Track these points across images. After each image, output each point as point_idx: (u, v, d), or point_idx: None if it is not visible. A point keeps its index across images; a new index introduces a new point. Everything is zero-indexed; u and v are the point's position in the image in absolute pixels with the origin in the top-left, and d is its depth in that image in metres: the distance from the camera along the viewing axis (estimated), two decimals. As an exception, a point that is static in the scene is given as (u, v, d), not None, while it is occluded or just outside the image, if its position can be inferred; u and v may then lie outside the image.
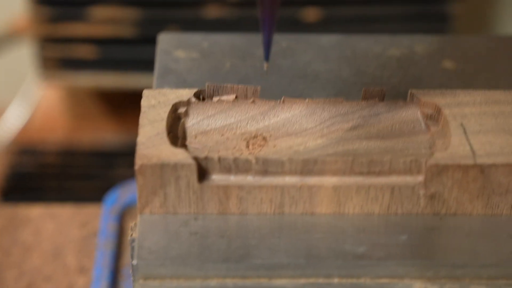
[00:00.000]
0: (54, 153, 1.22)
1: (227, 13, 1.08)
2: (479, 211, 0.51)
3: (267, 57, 0.52)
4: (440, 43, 0.64)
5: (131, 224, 0.52)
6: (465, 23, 1.25)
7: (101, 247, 0.75)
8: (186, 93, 0.54)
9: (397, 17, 1.09)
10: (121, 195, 0.79)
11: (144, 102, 0.53)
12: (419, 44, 0.65)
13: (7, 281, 0.76)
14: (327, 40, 0.64)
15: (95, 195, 1.10)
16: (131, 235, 0.51)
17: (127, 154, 1.22)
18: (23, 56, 1.29)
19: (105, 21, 1.06)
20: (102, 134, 1.24)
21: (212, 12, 1.07)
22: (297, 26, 1.08)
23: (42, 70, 1.11)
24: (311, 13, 1.08)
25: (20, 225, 0.81)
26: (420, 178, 0.50)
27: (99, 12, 1.06)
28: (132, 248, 0.50)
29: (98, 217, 0.80)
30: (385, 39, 0.65)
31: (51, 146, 1.22)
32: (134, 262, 0.48)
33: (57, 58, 1.09)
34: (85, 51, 1.09)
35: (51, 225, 0.81)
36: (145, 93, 0.54)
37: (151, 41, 1.06)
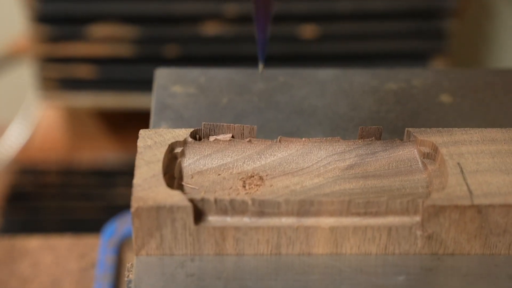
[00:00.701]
0: (54, 172, 1.22)
1: (225, 30, 1.08)
2: (477, 251, 0.51)
3: (262, 57, 0.51)
4: (437, 77, 0.64)
5: (127, 264, 0.51)
6: (462, 40, 1.25)
7: (99, 279, 0.75)
8: (183, 133, 0.54)
9: (394, 34, 1.09)
10: (119, 226, 0.79)
11: (140, 143, 0.53)
12: (417, 78, 0.65)
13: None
14: (324, 74, 0.64)
15: (95, 216, 1.10)
16: (128, 276, 0.51)
17: (126, 173, 1.22)
18: (23, 76, 1.29)
19: (104, 40, 1.06)
20: (102, 153, 1.24)
21: (211, 29, 1.07)
22: (294, 43, 1.08)
23: (42, 90, 1.11)
24: (308, 30, 1.08)
25: (18, 257, 0.80)
26: (417, 218, 0.50)
27: (98, 30, 1.06)
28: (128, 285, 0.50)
29: (96, 248, 0.79)
30: (383, 73, 0.65)
31: (51, 165, 1.22)
32: (130, 304, 0.48)
33: (56, 78, 1.09)
34: (85, 71, 1.09)
35: (49, 256, 0.81)
36: (141, 133, 0.53)
37: (150, 60, 1.07)
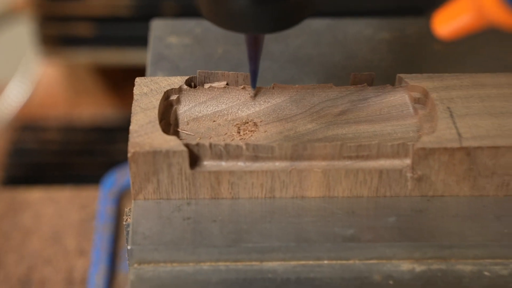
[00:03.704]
0: (55, 129, 1.23)
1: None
2: (465, 193, 0.53)
3: (253, 85, 0.54)
4: (428, 26, 0.65)
5: (126, 209, 0.53)
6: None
7: (99, 230, 0.76)
8: (178, 81, 0.55)
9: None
10: (118, 177, 0.80)
11: (136, 90, 0.54)
12: (410, 27, 0.65)
13: (7, 264, 0.77)
14: (319, 24, 0.65)
15: (96, 171, 1.11)
16: (126, 220, 0.52)
17: (126, 129, 1.23)
18: (22, 34, 1.30)
19: (102, 1, 1.07)
20: (102, 109, 1.25)
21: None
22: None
23: (42, 47, 1.12)
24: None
25: (20, 209, 0.82)
26: (408, 161, 0.52)
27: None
28: (127, 233, 0.51)
29: (97, 199, 0.81)
30: (376, 22, 0.66)
31: (52, 122, 1.23)
32: (129, 247, 0.50)
33: (56, 35, 1.10)
34: (84, 29, 1.10)
35: (50, 208, 0.82)
36: (137, 81, 0.55)
37: (147, 18, 1.08)
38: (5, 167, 1.18)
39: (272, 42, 0.63)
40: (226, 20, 0.50)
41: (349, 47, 0.63)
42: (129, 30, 1.09)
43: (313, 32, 0.64)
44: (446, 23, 0.45)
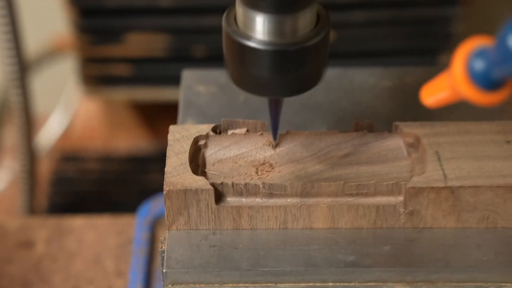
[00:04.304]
0: (94, 160, 1.33)
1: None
2: (451, 225, 0.61)
3: (275, 137, 0.63)
4: (427, 74, 0.73)
5: (161, 237, 0.62)
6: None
7: (135, 253, 0.85)
8: (205, 128, 0.64)
9: (402, 36, 1.17)
10: (152, 207, 0.89)
11: (170, 136, 0.63)
12: (409, 76, 0.74)
13: (55, 283, 0.86)
14: (328, 73, 0.74)
15: (131, 200, 1.21)
16: (161, 247, 0.61)
17: (158, 160, 1.32)
18: (65, 70, 1.40)
19: (139, 44, 1.16)
20: (136, 141, 1.34)
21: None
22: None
23: (83, 86, 1.21)
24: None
25: (65, 234, 0.91)
26: (401, 198, 0.60)
27: (134, 37, 1.16)
28: (162, 258, 0.60)
29: (133, 226, 0.90)
30: (379, 71, 0.74)
31: (90, 153, 1.33)
32: (164, 270, 0.59)
33: (96, 75, 1.19)
34: (122, 69, 1.19)
35: (91, 234, 0.91)
36: (171, 128, 0.64)
37: (179, 60, 1.17)
38: (48, 195, 1.27)
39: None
40: (252, 86, 0.59)
41: (354, 94, 0.72)
42: (163, 70, 1.19)
43: (323, 81, 0.73)
44: (430, 96, 0.54)
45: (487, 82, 0.48)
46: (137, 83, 1.21)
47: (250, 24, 0.56)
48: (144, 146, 1.34)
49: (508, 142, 0.62)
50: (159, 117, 1.33)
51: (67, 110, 1.38)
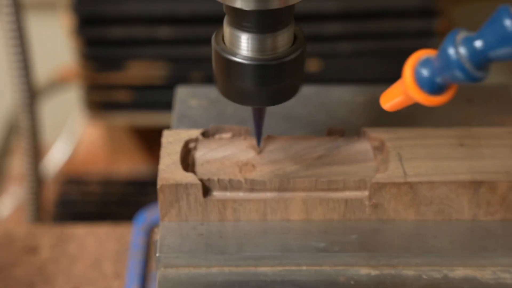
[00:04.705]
0: (95, 183, 1.41)
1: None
2: (411, 218, 0.69)
3: (259, 144, 0.71)
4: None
5: (155, 229, 0.70)
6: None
7: (133, 256, 0.93)
8: (195, 133, 0.72)
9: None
10: (148, 215, 0.97)
11: (164, 139, 0.72)
12: (381, 92, 0.82)
13: (57, 284, 0.94)
14: (308, 90, 0.82)
15: (131, 220, 1.29)
16: (155, 237, 0.69)
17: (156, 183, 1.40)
18: (69, 98, 1.49)
19: (140, 72, 1.25)
20: (136, 165, 1.43)
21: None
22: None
23: (86, 111, 1.30)
24: (313, 65, 1.26)
25: (68, 241, 0.99)
26: (366, 193, 0.68)
27: (135, 65, 1.25)
28: (155, 246, 0.68)
29: (130, 233, 0.98)
30: (354, 89, 0.83)
31: (93, 177, 1.41)
32: (157, 255, 0.67)
33: (99, 101, 1.28)
34: (123, 96, 1.28)
35: (92, 240, 0.99)
36: (165, 133, 0.72)
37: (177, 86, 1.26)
38: (52, 216, 1.35)
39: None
40: (237, 96, 0.67)
41: (331, 108, 0.81)
42: (162, 96, 1.27)
43: (303, 96, 0.81)
44: (388, 101, 0.62)
45: (432, 87, 0.57)
46: (137, 108, 1.30)
47: (235, 42, 0.65)
48: (144, 169, 1.42)
49: (461, 145, 0.71)
50: (158, 142, 1.41)
51: (71, 137, 1.46)
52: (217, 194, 0.69)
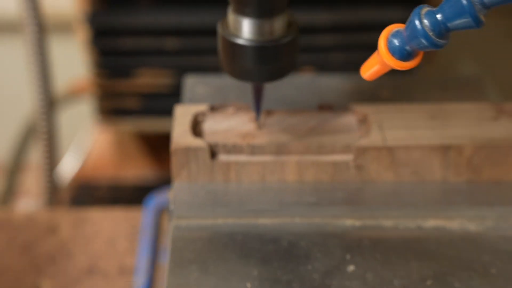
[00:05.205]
0: (105, 188, 1.51)
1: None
2: (390, 179, 0.80)
3: (258, 118, 0.82)
4: (381, 80, 0.93)
5: (170, 190, 0.81)
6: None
7: (144, 235, 1.03)
8: (203, 107, 0.83)
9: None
10: (157, 199, 1.08)
11: (176, 113, 0.83)
12: (369, 82, 0.94)
13: (76, 258, 1.04)
14: (301, 79, 0.94)
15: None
16: (169, 195, 0.80)
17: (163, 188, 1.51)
18: (82, 110, 1.61)
19: (148, 80, 1.37)
20: (143, 171, 1.53)
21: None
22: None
23: (97, 118, 1.41)
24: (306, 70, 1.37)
25: (84, 222, 1.10)
26: (351, 156, 0.79)
27: (144, 73, 1.37)
28: (170, 201, 0.79)
29: (141, 216, 1.08)
30: (341, 78, 0.94)
31: (102, 182, 1.52)
32: (171, 208, 0.77)
33: (110, 108, 1.40)
34: (132, 103, 1.39)
35: (106, 221, 1.10)
36: (177, 107, 0.83)
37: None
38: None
39: (268, 91, 0.91)
40: (239, 74, 0.79)
41: (322, 94, 0.92)
42: (168, 103, 1.39)
43: (298, 84, 0.93)
44: (367, 71, 0.73)
45: (402, 54, 0.68)
46: (145, 115, 1.41)
47: (238, 27, 0.76)
48: (150, 175, 1.53)
49: (433, 117, 0.82)
50: (164, 148, 1.52)
51: (82, 145, 1.58)
52: (222, 157, 0.79)
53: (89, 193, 1.52)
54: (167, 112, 1.40)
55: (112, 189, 1.52)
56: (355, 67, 1.34)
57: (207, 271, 0.72)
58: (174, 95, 1.37)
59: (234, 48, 0.76)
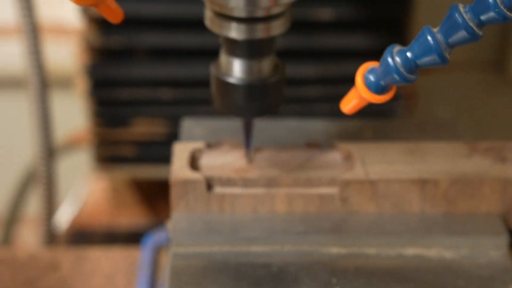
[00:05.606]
0: (100, 235, 1.57)
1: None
2: (373, 210, 0.87)
3: (248, 153, 0.88)
4: (364, 123, 1.00)
5: (168, 220, 0.87)
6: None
7: (142, 270, 1.09)
8: (200, 144, 0.90)
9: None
10: (155, 236, 1.14)
11: (175, 149, 0.89)
12: (352, 124, 1.01)
13: (77, 293, 1.10)
14: (291, 123, 1.01)
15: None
16: (168, 224, 0.86)
17: (156, 235, 1.56)
18: (79, 160, 1.68)
19: (143, 129, 1.44)
20: (137, 219, 1.59)
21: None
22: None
23: (94, 166, 1.48)
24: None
25: (84, 260, 1.16)
26: (336, 189, 0.86)
27: (139, 122, 1.44)
28: (169, 230, 0.85)
29: (139, 254, 1.14)
30: (328, 122, 1.01)
31: (97, 229, 1.57)
32: (171, 236, 0.83)
33: (106, 156, 1.46)
34: (127, 151, 1.46)
35: (106, 259, 1.16)
36: (176, 145, 0.90)
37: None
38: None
39: (261, 132, 0.98)
40: (231, 110, 0.86)
41: (309, 135, 0.98)
42: (163, 151, 1.45)
43: (287, 127, 0.99)
44: (346, 106, 0.81)
45: (377, 88, 0.76)
46: (140, 162, 1.48)
47: (229, 67, 0.84)
48: (144, 223, 1.59)
49: (410, 154, 0.89)
50: (158, 195, 1.59)
51: (79, 193, 1.64)
52: (217, 189, 0.86)
53: (84, 240, 1.57)
54: (162, 160, 1.47)
55: (106, 236, 1.58)
56: (339, 117, 1.44)
57: (203, 292, 0.78)
58: (168, 143, 1.44)
59: (226, 86, 0.84)
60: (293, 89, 1.40)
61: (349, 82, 1.41)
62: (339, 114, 1.41)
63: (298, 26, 1.36)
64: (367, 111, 1.42)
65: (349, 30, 1.40)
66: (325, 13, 1.37)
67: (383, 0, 1.39)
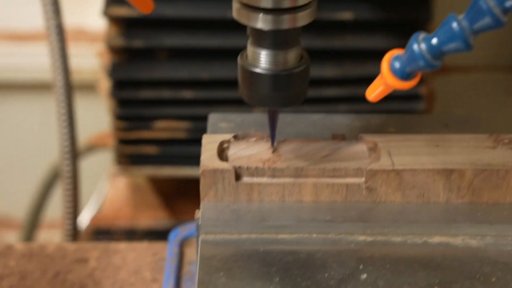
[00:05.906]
0: (120, 234, 1.59)
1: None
2: (398, 200, 0.88)
3: (272, 144, 0.90)
4: (389, 118, 1.02)
5: (196, 210, 0.88)
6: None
7: (168, 262, 1.10)
8: (228, 136, 0.92)
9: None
10: (180, 231, 1.15)
11: (204, 141, 0.91)
12: (376, 119, 1.03)
13: (105, 286, 1.12)
14: (316, 117, 1.02)
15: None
16: (196, 214, 0.88)
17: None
18: (101, 161, 1.70)
19: (165, 129, 1.46)
20: (157, 220, 1.61)
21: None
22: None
23: (116, 166, 1.49)
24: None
25: (112, 253, 1.17)
26: (363, 179, 0.87)
27: (160, 123, 1.46)
28: (197, 219, 0.86)
29: (166, 248, 1.16)
30: (351, 116, 1.03)
31: (118, 228, 1.59)
32: (199, 223, 0.85)
33: (128, 155, 1.48)
34: (149, 150, 1.48)
35: (133, 253, 1.17)
36: (205, 137, 0.91)
37: (198, 142, 1.46)
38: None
39: (285, 127, 1.00)
40: (256, 100, 0.87)
41: (334, 129, 1.00)
42: (184, 151, 1.47)
43: (312, 121, 1.01)
44: (372, 92, 0.82)
45: (403, 74, 0.77)
46: (161, 162, 1.49)
47: (256, 58, 0.85)
48: (164, 223, 1.61)
49: (437, 145, 0.90)
50: (178, 195, 1.61)
51: (100, 192, 1.66)
52: (246, 179, 0.87)
53: (106, 239, 1.59)
54: (183, 160, 1.49)
55: (127, 234, 1.60)
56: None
57: (233, 277, 0.79)
58: (188, 144, 1.46)
59: (252, 77, 0.85)
60: (313, 89, 1.42)
61: (369, 83, 1.44)
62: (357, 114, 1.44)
63: (319, 27, 1.38)
64: (388, 111, 1.45)
65: (369, 32, 1.42)
66: (346, 15, 1.39)
67: (402, 2, 1.41)
